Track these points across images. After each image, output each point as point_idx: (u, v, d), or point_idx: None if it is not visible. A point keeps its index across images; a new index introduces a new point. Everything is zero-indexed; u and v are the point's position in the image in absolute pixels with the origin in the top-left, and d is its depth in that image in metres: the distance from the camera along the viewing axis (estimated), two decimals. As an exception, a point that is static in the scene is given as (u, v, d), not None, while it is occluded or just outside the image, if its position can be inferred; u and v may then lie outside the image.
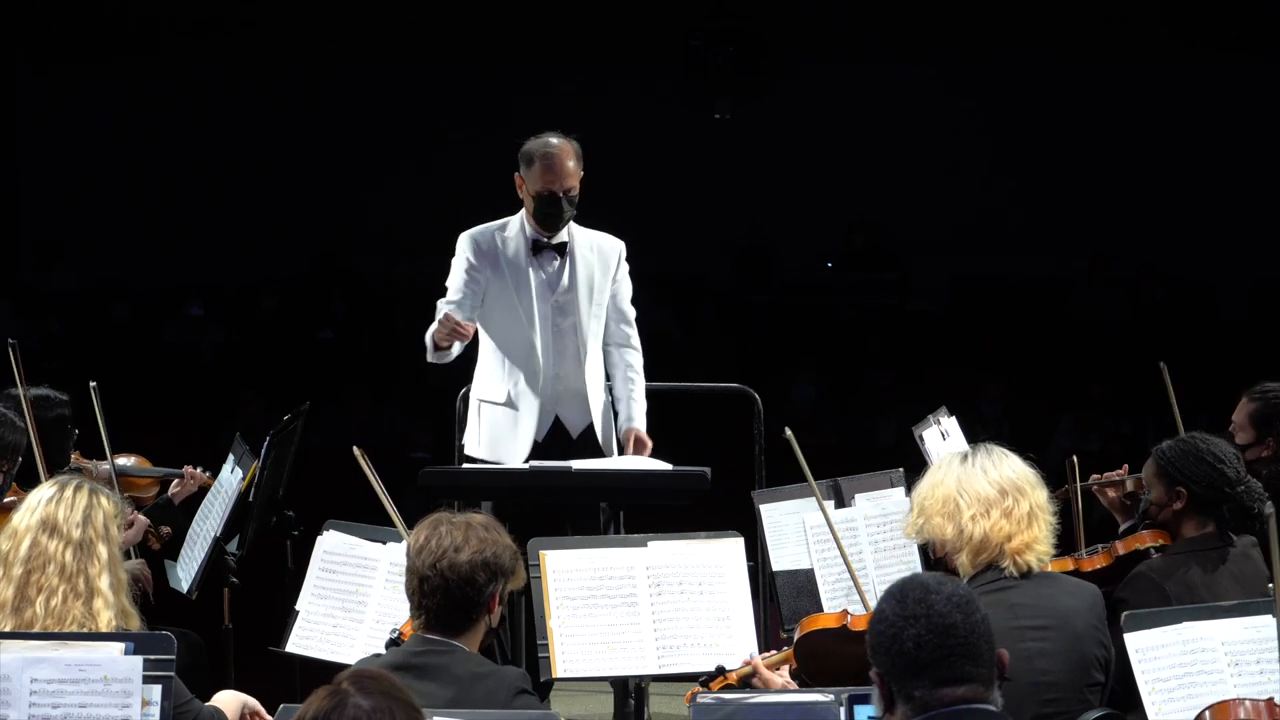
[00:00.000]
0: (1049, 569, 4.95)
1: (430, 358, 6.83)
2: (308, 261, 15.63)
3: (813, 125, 15.56)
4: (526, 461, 6.72)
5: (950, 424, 6.62)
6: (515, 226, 6.82)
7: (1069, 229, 15.39)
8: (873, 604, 5.43)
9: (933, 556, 4.99)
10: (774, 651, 5.16)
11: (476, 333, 6.80)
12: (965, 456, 4.93)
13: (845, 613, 5.16)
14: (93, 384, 6.60)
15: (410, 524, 5.51)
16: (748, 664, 5.11)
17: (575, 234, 6.85)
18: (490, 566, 4.48)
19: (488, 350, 6.90)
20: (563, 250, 6.82)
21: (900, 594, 3.57)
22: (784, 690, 4.95)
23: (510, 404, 6.82)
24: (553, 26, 15.60)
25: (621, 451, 6.79)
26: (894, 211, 15.55)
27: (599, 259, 6.85)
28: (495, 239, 6.83)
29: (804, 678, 5.05)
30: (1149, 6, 15.31)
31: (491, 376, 6.88)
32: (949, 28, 15.46)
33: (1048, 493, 4.96)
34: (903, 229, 15.58)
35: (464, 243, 6.85)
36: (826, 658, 5.07)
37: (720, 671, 5.12)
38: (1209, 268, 15.09)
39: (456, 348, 6.77)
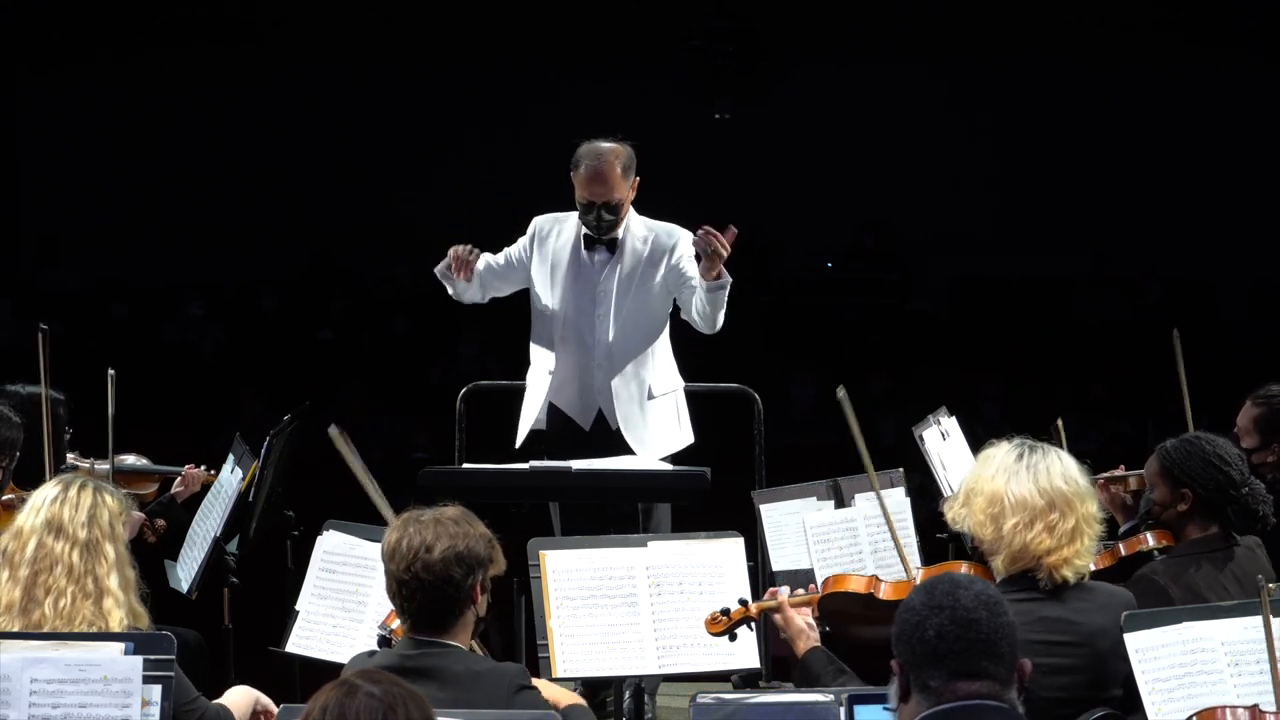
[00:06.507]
0: (1086, 579, 4.85)
1: (444, 281, 6.98)
2: (307, 261, 15.64)
3: (813, 125, 15.56)
4: (545, 445, 6.81)
5: (950, 424, 6.62)
6: (575, 217, 6.88)
7: (1069, 229, 15.40)
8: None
9: (968, 546, 4.92)
10: (801, 591, 5.08)
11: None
12: (1021, 455, 4.78)
13: (876, 579, 5.06)
14: (110, 371, 6.56)
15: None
16: (773, 595, 5.08)
17: (632, 227, 6.85)
18: (465, 559, 4.41)
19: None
20: (613, 245, 6.84)
21: (930, 586, 3.60)
22: (805, 631, 4.91)
23: (534, 384, 6.90)
24: (553, 28, 15.60)
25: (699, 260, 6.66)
26: (894, 212, 15.56)
27: (650, 251, 6.83)
28: (553, 225, 6.92)
29: (824, 627, 5.02)
30: (1150, 6, 15.31)
31: (534, 360, 6.97)
32: (949, 28, 15.46)
33: (1098, 503, 4.84)
34: (903, 229, 15.58)
35: (533, 222, 6.95)
36: (849, 618, 5.02)
37: (742, 603, 5.09)
38: (1209, 268, 15.09)
39: (466, 288, 6.87)
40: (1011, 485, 4.73)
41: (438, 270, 6.95)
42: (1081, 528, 4.73)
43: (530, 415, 6.87)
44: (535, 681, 4.55)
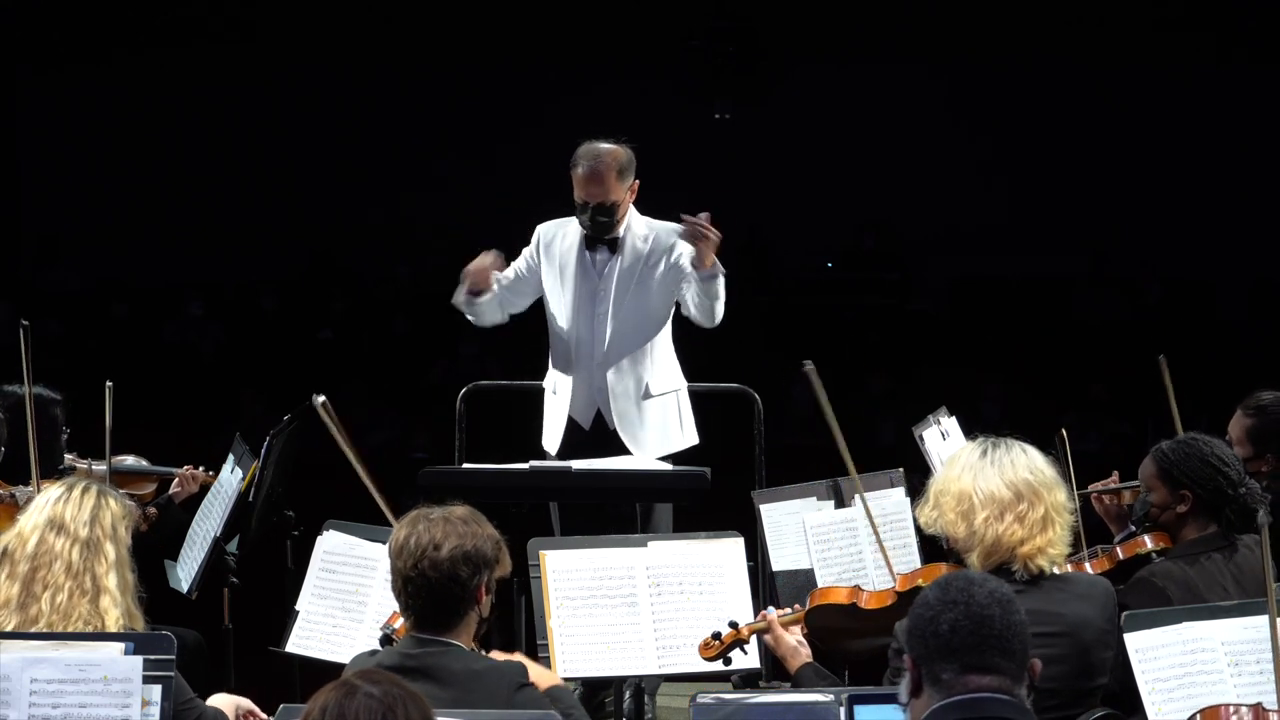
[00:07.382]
0: (1063, 568, 4.89)
1: (464, 309, 6.96)
2: (307, 261, 15.63)
3: (813, 125, 15.56)
4: (559, 450, 6.79)
5: (950, 424, 6.61)
6: (576, 220, 6.90)
7: (1069, 229, 15.40)
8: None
9: (945, 547, 4.96)
10: (789, 610, 5.13)
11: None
12: (984, 451, 4.85)
13: (857, 589, 5.12)
14: (109, 384, 6.57)
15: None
16: (763, 618, 5.10)
17: (634, 226, 6.87)
18: (472, 559, 4.42)
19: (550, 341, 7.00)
20: (614, 245, 6.84)
21: (945, 583, 3.64)
22: (796, 649, 4.95)
23: (555, 393, 6.92)
24: (553, 28, 15.61)
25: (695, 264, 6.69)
26: (894, 212, 15.55)
27: (651, 249, 6.84)
28: (557, 230, 6.93)
29: (814, 641, 5.04)
30: (1150, 6, 15.31)
31: (550, 366, 6.98)
32: (949, 27, 15.46)
33: (1066, 492, 4.89)
34: (903, 229, 15.58)
35: (536, 231, 6.95)
36: (836, 632, 5.06)
37: (733, 627, 5.12)
38: (1209, 268, 15.09)
39: (485, 309, 6.88)
40: (978, 481, 4.78)
41: (456, 301, 6.94)
42: (1051, 516, 4.77)
43: (552, 444, 6.88)
44: (521, 659, 4.56)
